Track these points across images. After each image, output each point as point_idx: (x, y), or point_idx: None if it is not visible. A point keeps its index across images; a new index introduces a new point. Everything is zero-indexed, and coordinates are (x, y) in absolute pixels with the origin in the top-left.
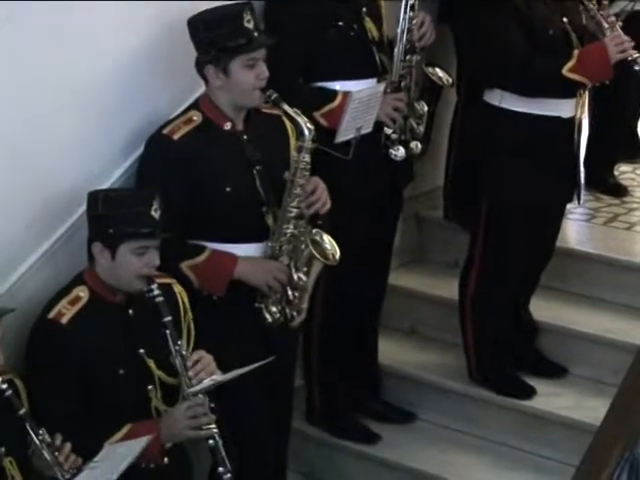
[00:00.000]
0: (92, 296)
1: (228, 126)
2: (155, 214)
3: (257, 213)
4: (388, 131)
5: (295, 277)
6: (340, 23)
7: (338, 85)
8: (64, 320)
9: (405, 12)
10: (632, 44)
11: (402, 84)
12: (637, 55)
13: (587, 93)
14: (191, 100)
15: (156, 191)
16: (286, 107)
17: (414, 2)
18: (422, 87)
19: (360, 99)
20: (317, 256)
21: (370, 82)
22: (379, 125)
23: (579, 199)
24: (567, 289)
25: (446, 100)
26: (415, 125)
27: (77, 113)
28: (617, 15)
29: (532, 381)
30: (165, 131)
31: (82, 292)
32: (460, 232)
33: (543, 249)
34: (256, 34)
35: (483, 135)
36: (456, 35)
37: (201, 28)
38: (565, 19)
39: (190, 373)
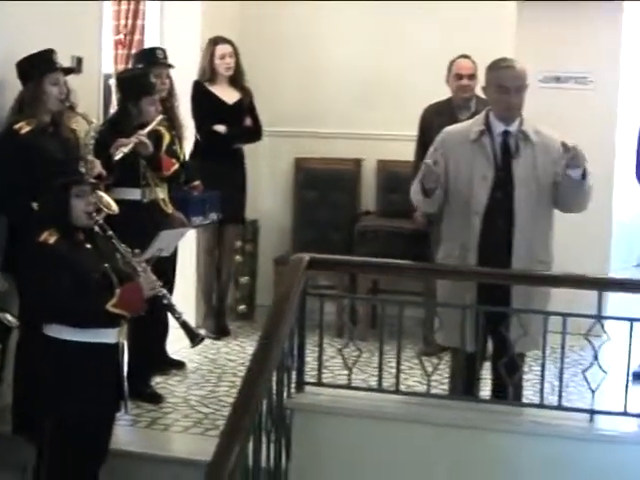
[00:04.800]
0: None
1: None
2: None
3: None
4: None
5: None
6: None
7: None
8: None
9: None
10: (161, 283)
11: None
12: (165, 291)
13: (127, 323)
14: None
15: None
16: None
17: None
18: None
19: None
20: None
21: None
22: None
23: (125, 408)
24: None
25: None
26: None
27: None
28: (148, 261)
29: None
30: None
31: None
32: (26, 445)
33: (100, 452)
34: None
35: (43, 360)
36: (19, 278)
37: None
38: (107, 264)
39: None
